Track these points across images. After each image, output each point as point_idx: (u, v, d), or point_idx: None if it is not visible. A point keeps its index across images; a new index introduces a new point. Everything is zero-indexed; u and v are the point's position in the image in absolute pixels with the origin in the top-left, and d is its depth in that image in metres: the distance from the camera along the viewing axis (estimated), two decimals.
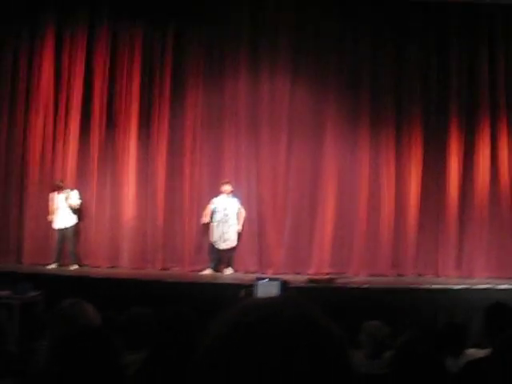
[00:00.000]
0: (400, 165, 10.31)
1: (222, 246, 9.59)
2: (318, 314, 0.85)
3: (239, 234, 9.76)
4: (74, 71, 10.26)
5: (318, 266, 9.95)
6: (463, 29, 10.37)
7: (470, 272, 10.04)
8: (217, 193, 9.73)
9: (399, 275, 9.97)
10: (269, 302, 0.86)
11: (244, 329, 0.81)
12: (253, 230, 10.07)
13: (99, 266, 9.84)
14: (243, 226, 9.83)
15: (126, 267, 9.86)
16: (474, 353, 4.16)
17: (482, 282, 9.20)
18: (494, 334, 3.26)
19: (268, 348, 0.78)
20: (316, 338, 0.81)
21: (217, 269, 9.61)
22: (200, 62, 10.30)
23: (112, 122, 10.24)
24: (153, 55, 10.34)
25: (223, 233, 9.58)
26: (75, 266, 9.51)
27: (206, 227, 9.84)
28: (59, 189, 9.64)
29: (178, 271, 9.83)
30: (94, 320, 2.82)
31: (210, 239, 9.68)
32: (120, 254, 10.01)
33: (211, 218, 9.63)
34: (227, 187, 9.62)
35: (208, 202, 9.83)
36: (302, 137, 10.26)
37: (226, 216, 9.58)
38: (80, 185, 10.00)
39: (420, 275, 9.99)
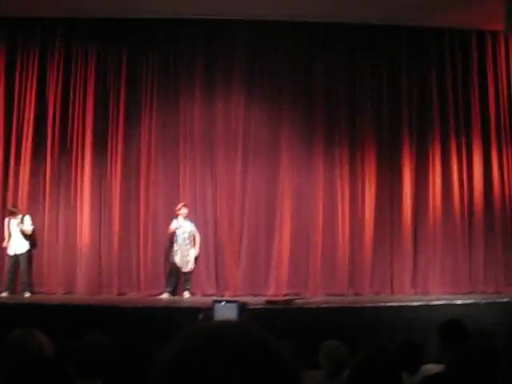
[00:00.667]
0: (354, 185, 10.46)
1: (185, 269, 9.53)
2: (269, 338, 0.85)
3: (196, 258, 9.70)
4: (26, 93, 10.10)
5: (276, 287, 9.95)
6: (413, 52, 10.68)
7: (425, 289, 10.20)
8: (172, 215, 9.66)
9: (356, 294, 10.05)
10: (218, 326, 0.85)
11: (192, 353, 0.80)
12: (209, 252, 10.03)
13: (54, 292, 9.61)
14: (200, 248, 9.78)
15: (81, 293, 9.66)
16: (431, 368, 4.22)
17: (437, 298, 9.34)
18: (448, 350, 3.30)
19: (216, 372, 0.77)
20: (265, 362, 0.80)
21: (174, 293, 9.51)
22: (154, 82, 10.29)
23: (66, 146, 10.07)
24: (107, 76, 10.26)
25: (184, 256, 9.52)
26: (28, 294, 9.26)
27: (162, 251, 9.76)
28: (12, 214, 9.42)
29: (135, 296, 9.69)
30: (46, 349, 2.74)
31: (172, 262, 9.58)
32: (75, 280, 9.81)
33: (174, 239, 9.55)
34: (184, 210, 9.56)
35: (164, 224, 9.77)
36: (258, 157, 10.31)
37: (186, 239, 9.53)
38: (33, 210, 9.79)
39: (376, 293, 10.10)
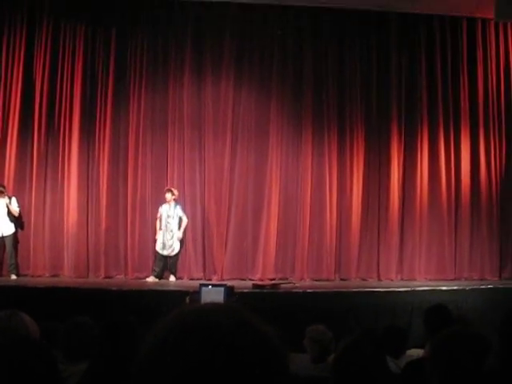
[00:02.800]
0: (342, 170, 10.48)
1: (165, 253, 9.52)
2: (257, 321, 0.85)
3: (182, 241, 9.69)
4: (13, 72, 9.96)
5: (263, 271, 9.99)
6: (403, 38, 10.68)
7: (411, 275, 10.28)
8: (160, 198, 9.65)
9: (342, 279, 10.12)
10: (207, 308, 0.86)
11: (180, 336, 0.80)
12: (197, 236, 10.04)
13: (40, 275, 9.58)
14: (186, 232, 9.78)
15: (68, 276, 9.65)
16: (415, 353, 4.27)
17: (422, 284, 9.42)
18: (433, 334, 3.33)
19: (205, 353, 0.77)
20: (253, 345, 0.81)
21: (161, 276, 9.52)
22: (144, 65, 10.19)
23: (53, 126, 9.97)
24: (95, 58, 10.13)
25: (166, 240, 9.51)
26: (14, 276, 9.21)
27: (149, 234, 9.76)
28: (0, 194, 9.29)
29: (122, 279, 9.69)
30: (31, 331, 2.73)
31: (155, 246, 9.60)
32: (62, 263, 9.78)
33: (158, 225, 9.58)
34: (168, 195, 9.54)
35: (151, 207, 9.78)
36: (246, 142, 10.29)
37: (168, 224, 9.52)
38: (19, 191, 9.72)
39: (363, 279, 10.17)
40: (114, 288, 8.36)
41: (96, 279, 9.60)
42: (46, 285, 8.46)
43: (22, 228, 9.64)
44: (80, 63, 10.08)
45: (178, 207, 9.61)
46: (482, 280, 10.16)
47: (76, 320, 3.77)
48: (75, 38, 10.10)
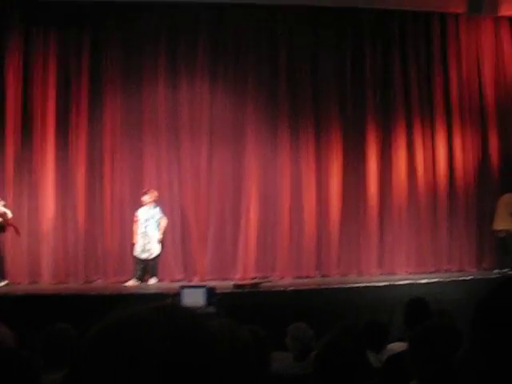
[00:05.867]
0: (320, 166, 10.52)
1: (144, 256, 9.45)
2: (199, 322, 0.84)
3: (162, 243, 9.63)
4: None
5: (244, 271, 9.98)
6: (376, 34, 10.74)
7: (391, 269, 10.36)
8: (139, 201, 9.58)
9: (323, 276, 10.15)
10: (142, 309, 0.85)
11: (110, 334, 0.80)
12: (176, 237, 10.00)
13: (19, 282, 9.45)
14: (166, 234, 9.72)
15: (47, 282, 9.54)
16: (396, 347, 4.29)
17: (403, 278, 9.49)
18: (412, 328, 3.36)
19: (132, 352, 0.77)
20: (189, 349, 0.79)
21: (141, 279, 9.46)
22: (118, 66, 10.10)
23: (27, 131, 9.81)
24: (68, 61, 9.98)
25: (145, 244, 9.44)
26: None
27: (128, 237, 9.69)
28: None
29: (102, 283, 9.62)
30: (7, 340, 2.70)
31: (133, 251, 9.54)
32: (40, 269, 9.66)
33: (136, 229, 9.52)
34: (145, 198, 9.48)
35: (129, 210, 9.71)
36: (223, 141, 10.27)
37: (147, 227, 9.45)
38: None
39: (343, 275, 10.21)
40: (93, 293, 8.29)
41: (75, 284, 9.50)
42: (25, 292, 8.36)
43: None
44: (53, 67, 9.94)
45: (158, 209, 9.55)
46: (461, 271, 10.27)
47: (55, 327, 3.73)
48: (48, 41, 9.96)
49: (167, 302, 0.88)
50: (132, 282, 9.35)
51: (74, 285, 9.48)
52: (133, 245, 9.53)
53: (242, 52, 10.43)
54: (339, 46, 10.63)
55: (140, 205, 9.53)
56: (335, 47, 10.61)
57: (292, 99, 10.48)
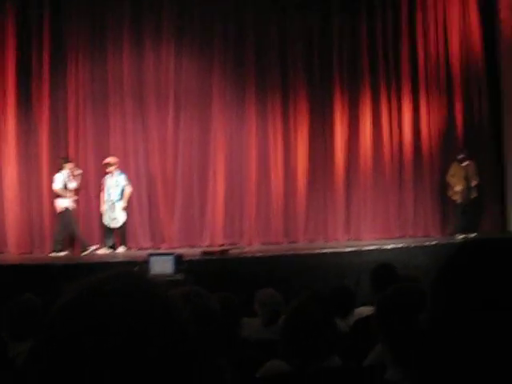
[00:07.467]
0: (287, 133, 10.52)
1: (111, 225, 9.40)
2: (159, 288, 0.83)
3: (127, 211, 9.55)
4: None
5: (212, 238, 10.00)
6: (344, 1, 10.67)
7: (357, 235, 10.49)
8: (103, 170, 9.46)
9: (291, 242, 10.23)
10: (103, 277, 0.83)
11: (71, 307, 0.79)
12: (144, 205, 9.94)
13: None
14: (133, 202, 9.65)
15: (12, 253, 9.40)
16: (363, 311, 4.36)
17: (369, 243, 9.61)
18: (379, 292, 3.41)
19: (97, 319, 0.77)
20: (146, 310, 0.79)
21: (112, 247, 9.42)
22: (80, 34, 9.83)
23: None
24: (29, 29, 9.65)
25: (110, 212, 9.38)
26: None
27: (94, 206, 9.59)
28: None
29: (69, 254, 9.52)
30: None
31: (102, 221, 9.47)
32: (5, 240, 9.50)
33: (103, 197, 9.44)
34: (109, 167, 9.39)
35: (95, 179, 9.60)
36: (190, 107, 10.17)
37: (110, 195, 9.37)
38: None
39: (311, 241, 10.31)
40: (60, 263, 8.21)
41: (41, 255, 9.39)
42: None
43: None
44: (13, 34, 9.59)
45: (122, 177, 9.45)
46: (426, 237, 10.45)
47: (20, 298, 3.69)
48: (6, 7, 9.62)
49: (130, 271, 0.87)
50: (103, 250, 9.31)
51: (39, 255, 9.36)
52: (101, 214, 9.45)
53: (208, 17, 10.26)
54: (306, 12, 10.54)
55: (105, 173, 9.42)
56: (302, 13, 10.53)
57: (259, 65, 10.40)
